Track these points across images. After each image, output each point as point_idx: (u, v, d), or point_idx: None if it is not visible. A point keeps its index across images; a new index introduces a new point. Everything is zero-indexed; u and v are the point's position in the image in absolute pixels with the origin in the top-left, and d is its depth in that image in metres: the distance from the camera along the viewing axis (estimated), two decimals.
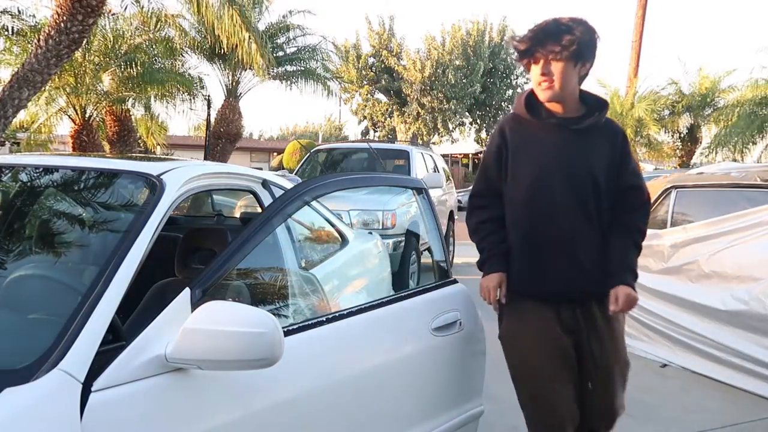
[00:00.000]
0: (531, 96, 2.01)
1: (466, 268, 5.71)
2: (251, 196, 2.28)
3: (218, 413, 1.35)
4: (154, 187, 1.55)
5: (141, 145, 15.62)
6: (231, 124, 15.97)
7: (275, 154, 30.11)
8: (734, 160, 15.50)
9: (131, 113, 13.97)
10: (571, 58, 1.87)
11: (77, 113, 12.72)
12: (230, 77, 15.79)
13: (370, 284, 3.02)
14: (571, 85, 1.91)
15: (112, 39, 12.17)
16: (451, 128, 29.40)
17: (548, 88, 1.89)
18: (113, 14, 11.58)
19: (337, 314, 1.85)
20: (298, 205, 1.90)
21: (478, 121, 31.32)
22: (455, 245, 8.55)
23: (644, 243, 5.18)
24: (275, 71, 14.76)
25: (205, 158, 15.40)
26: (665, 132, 20.22)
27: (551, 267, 1.95)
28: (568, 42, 1.85)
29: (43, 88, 7.56)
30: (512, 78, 30.70)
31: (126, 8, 10.78)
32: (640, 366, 4.32)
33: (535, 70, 1.90)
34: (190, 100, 14.80)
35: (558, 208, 1.94)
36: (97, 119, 13.36)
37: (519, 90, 31.18)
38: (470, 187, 2.29)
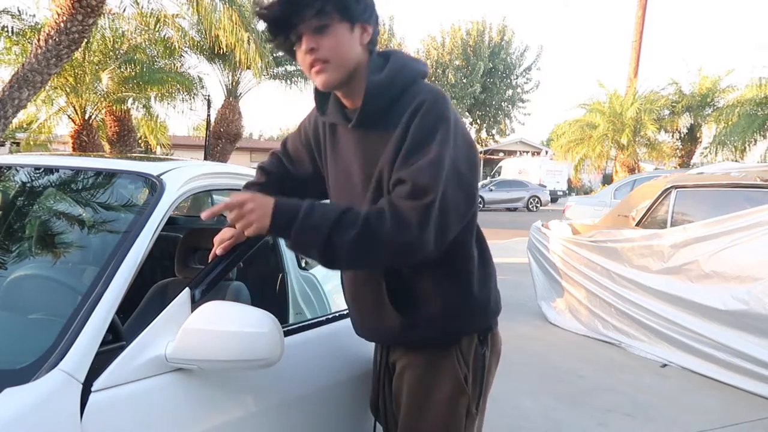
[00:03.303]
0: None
1: None
2: None
3: (218, 413, 1.35)
4: (154, 187, 1.55)
5: (141, 145, 15.63)
6: (231, 124, 15.99)
7: None
8: (734, 160, 15.49)
9: (131, 113, 13.99)
10: (343, 18, 1.31)
11: (77, 113, 12.73)
12: (230, 77, 15.81)
13: None
14: (352, 59, 1.35)
15: (111, 39, 12.18)
16: None
17: (321, 71, 1.34)
18: (113, 14, 11.59)
19: (337, 314, 1.85)
20: None
21: (478, 121, 31.36)
22: None
23: (644, 243, 5.14)
24: (275, 71, 14.77)
25: (205, 158, 15.42)
26: (665, 132, 20.22)
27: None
28: None
29: (43, 88, 7.56)
30: (512, 78, 30.76)
31: (125, 9, 10.80)
32: (640, 366, 4.33)
33: (300, 51, 1.35)
34: (190, 100, 14.84)
35: None
36: (97, 119, 13.37)
37: (519, 90, 31.26)
38: None
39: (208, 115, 16.15)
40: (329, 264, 1.33)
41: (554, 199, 27.53)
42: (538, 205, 24.06)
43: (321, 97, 1.49)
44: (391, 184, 1.31)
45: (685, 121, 19.87)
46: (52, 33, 6.46)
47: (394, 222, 1.25)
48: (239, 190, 2.03)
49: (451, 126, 1.32)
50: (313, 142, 1.58)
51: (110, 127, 13.60)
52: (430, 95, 1.33)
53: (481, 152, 36.15)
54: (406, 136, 1.31)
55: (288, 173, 1.65)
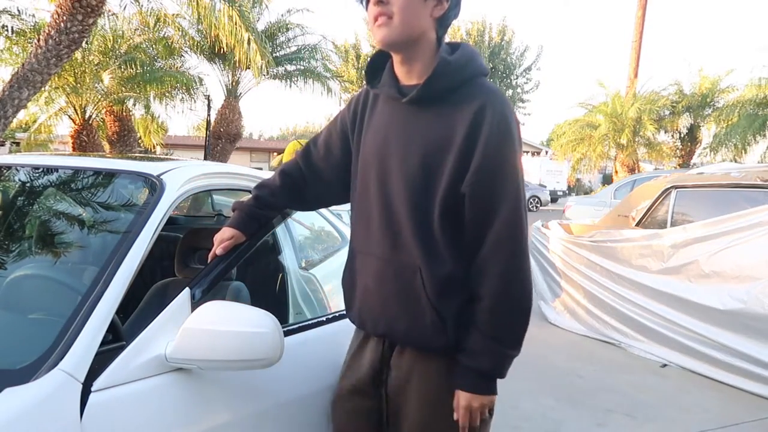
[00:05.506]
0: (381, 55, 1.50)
1: None
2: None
3: (218, 413, 1.35)
4: (154, 187, 1.55)
5: (141, 145, 15.64)
6: (231, 124, 15.98)
7: (275, 154, 30.15)
8: (734, 160, 15.48)
9: (131, 113, 13.99)
10: None
11: (77, 113, 12.74)
12: (230, 77, 15.80)
13: None
14: (417, 25, 1.35)
15: (111, 39, 12.18)
16: None
17: (383, 24, 1.34)
18: (113, 14, 11.59)
19: (337, 314, 1.85)
20: None
21: None
22: None
23: (644, 243, 5.11)
24: (275, 71, 14.76)
25: (205, 158, 15.42)
26: (665, 132, 20.22)
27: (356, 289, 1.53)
28: None
29: (43, 88, 7.56)
30: (512, 78, 30.72)
31: (125, 8, 10.79)
32: (640, 366, 4.33)
33: (371, 3, 1.37)
34: (190, 99, 14.84)
35: (373, 212, 1.45)
36: (97, 119, 13.37)
37: (519, 90, 31.24)
38: None
39: (208, 115, 16.15)
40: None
41: (554, 199, 27.52)
42: (538, 205, 24.05)
43: (371, 70, 1.51)
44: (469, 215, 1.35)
45: (685, 121, 19.86)
46: (52, 33, 6.46)
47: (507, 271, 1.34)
48: (239, 190, 2.03)
49: (516, 145, 1.35)
50: (349, 123, 1.56)
51: (110, 126, 13.61)
52: (492, 101, 1.34)
53: None
54: (471, 151, 1.32)
55: (304, 177, 1.64)
